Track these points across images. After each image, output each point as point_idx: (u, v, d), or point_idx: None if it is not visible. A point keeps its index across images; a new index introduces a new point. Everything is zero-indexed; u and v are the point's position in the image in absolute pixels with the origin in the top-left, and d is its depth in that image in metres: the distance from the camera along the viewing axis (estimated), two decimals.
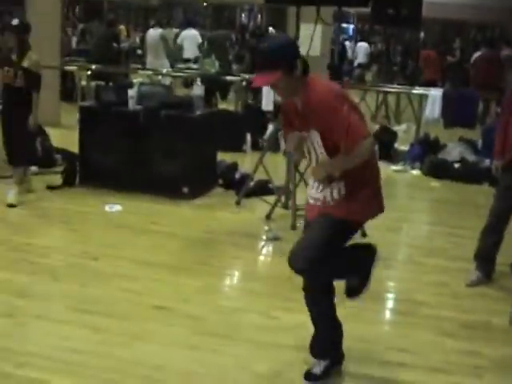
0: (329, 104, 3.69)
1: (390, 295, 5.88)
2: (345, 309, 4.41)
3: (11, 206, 7.49)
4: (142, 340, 4.64)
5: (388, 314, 5.63)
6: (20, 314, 4.95)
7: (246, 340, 4.71)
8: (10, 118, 7.71)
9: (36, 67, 7.58)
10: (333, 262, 3.90)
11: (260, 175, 8.25)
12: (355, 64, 23.98)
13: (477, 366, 4.55)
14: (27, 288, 5.44)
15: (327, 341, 4.25)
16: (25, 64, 7.47)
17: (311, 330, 4.22)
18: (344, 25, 37.21)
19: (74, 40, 21.61)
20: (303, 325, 4.44)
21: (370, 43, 27.26)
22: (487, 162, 9.56)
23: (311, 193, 4.04)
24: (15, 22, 7.54)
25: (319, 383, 4.18)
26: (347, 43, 26.93)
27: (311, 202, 4.05)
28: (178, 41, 16.45)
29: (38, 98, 7.57)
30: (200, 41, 16.34)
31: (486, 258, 6.04)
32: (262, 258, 6.69)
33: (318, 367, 4.21)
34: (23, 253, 6.17)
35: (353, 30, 36.21)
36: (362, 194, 3.89)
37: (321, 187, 3.94)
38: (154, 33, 15.33)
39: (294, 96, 3.83)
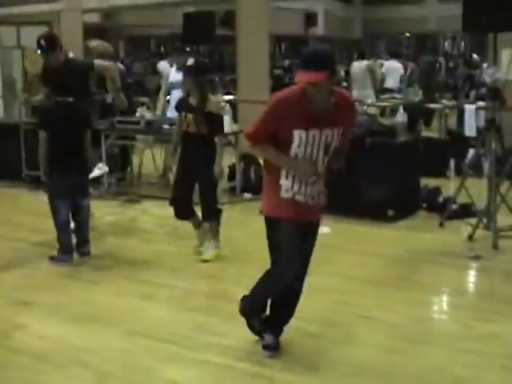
0: (354, 107, 4.72)
1: None
2: None
3: (205, 261, 7.09)
4: (346, 343, 5.12)
5: None
6: (239, 318, 5.56)
7: (440, 345, 5.05)
8: (195, 168, 7.05)
9: (218, 109, 7.15)
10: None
11: (462, 199, 8.51)
12: None
13: None
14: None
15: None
16: (208, 108, 6.93)
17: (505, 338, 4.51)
18: None
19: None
20: (501, 334, 4.73)
21: None
22: None
23: (301, 190, 4.59)
24: (190, 62, 7.44)
25: None
26: None
27: (302, 198, 4.60)
28: (383, 71, 16.90)
29: (223, 145, 7.24)
30: (402, 72, 16.70)
31: None
32: (463, 274, 6.96)
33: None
34: (241, 268, 6.85)
35: None
36: None
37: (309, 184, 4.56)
38: (358, 65, 15.85)
39: (330, 101, 4.36)
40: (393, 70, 16.75)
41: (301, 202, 4.59)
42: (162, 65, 12.61)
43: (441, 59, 20.10)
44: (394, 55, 18.06)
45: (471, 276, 6.98)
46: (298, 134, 4.39)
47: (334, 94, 4.37)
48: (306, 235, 4.70)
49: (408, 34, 35.74)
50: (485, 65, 15.30)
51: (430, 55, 18.95)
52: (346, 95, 4.59)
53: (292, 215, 4.52)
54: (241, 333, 5.21)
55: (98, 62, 8.61)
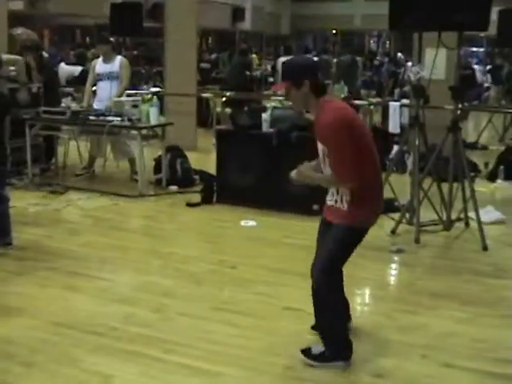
0: (332, 132, 4.36)
1: (504, 303, 6.16)
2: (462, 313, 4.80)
3: None
4: (273, 335, 5.18)
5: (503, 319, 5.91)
6: (166, 310, 5.61)
7: (368, 336, 5.17)
8: None
9: None
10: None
11: (386, 194, 8.63)
12: (485, 86, 23.88)
13: None
14: (172, 289, 6.09)
15: (326, 329, 4.79)
16: None
17: (427, 330, 4.63)
18: (474, 48, 37.01)
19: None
20: (423, 326, 4.85)
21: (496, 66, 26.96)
22: None
23: (327, 197, 4.84)
24: None
25: (312, 362, 4.71)
26: (476, 66, 26.79)
27: (328, 203, 4.84)
28: None
29: None
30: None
31: None
32: (386, 267, 7.09)
33: (317, 348, 4.76)
34: (167, 260, 6.84)
35: (482, 52, 35.91)
36: (365, 201, 4.57)
37: (334, 192, 4.72)
38: (284, 60, 15.98)
39: (302, 109, 4.69)
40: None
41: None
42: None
43: (358, 58, 20.34)
44: (324, 52, 18.24)
45: (394, 269, 7.11)
46: None
47: (315, 110, 4.51)
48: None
49: (334, 31, 36.12)
50: (409, 63, 15.57)
51: (347, 55, 19.18)
52: (328, 114, 4.39)
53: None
54: (168, 324, 5.27)
55: (5, 56, 8.61)
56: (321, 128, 4.43)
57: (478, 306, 5.86)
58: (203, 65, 20.98)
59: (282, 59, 16.33)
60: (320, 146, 4.56)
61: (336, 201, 4.68)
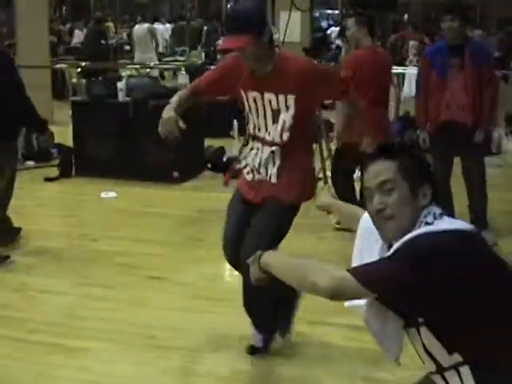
0: (313, 69, 3.96)
1: None
2: None
3: None
4: (138, 305, 5.16)
5: None
6: (27, 289, 5.47)
7: (232, 301, 5.21)
8: None
9: None
10: None
11: None
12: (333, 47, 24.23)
13: None
14: (33, 267, 5.95)
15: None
16: None
17: None
18: (329, 11, 37.60)
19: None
20: None
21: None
22: None
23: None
24: None
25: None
26: (333, 28, 27.21)
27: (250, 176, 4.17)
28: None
29: None
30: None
31: None
32: None
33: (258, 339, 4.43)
34: (28, 238, 6.66)
35: (337, 15, 36.49)
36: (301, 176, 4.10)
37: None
38: (140, 28, 15.80)
39: (259, 63, 3.87)
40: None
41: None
42: None
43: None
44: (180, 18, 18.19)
45: None
46: (240, 93, 4.04)
47: (273, 58, 3.89)
48: None
49: None
50: None
51: (200, 20, 19.21)
52: (294, 62, 3.91)
53: None
54: (29, 303, 5.22)
55: None
56: (290, 74, 3.84)
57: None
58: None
59: (138, 27, 16.13)
60: (278, 99, 3.91)
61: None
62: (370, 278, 2.31)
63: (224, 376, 4.20)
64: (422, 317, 2.37)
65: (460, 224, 2.44)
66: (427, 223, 2.42)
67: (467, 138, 6.25)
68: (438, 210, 2.47)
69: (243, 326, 4.42)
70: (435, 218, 2.43)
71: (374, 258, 2.60)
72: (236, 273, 5.23)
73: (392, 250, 2.38)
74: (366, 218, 2.76)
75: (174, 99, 4.24)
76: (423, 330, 2.38)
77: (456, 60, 6.25)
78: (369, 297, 2.37)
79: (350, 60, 6.61)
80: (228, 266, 6.13)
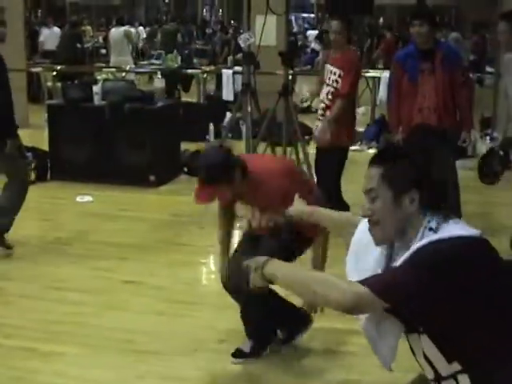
0: (281, 191, 3.86)
1: None
2: None
3: None
4: (113, 310, 5.15)
5: None
6: (3, 294, 5.46)
7: (208, 304, 5.22)
8: None
9: None
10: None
11: None
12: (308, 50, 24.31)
13: None
14: (8, 272, 5.92)
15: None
16: None
17: None
18: (305, 14, 37.75)
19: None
20: None
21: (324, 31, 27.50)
22: None
23: None
24: None
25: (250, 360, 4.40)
26: (310, 32, 27.31)
27: None
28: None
29: None
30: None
31: None
32: None
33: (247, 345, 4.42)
34: None
35: (313, 19, 36.67)
36: None
37: None
38: (116, 31, 15.75)
39: (237, 196, 4.09)
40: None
41: None
42: None
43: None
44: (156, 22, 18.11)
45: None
46: None
47: (246, 187, 4.06)
48: None
49: (167, 0, 35.90)
50: (241, 31, 15.69)
51: (173, 23, 19.18)
52: (271, 181, 4.02)
53: None
54: (5, 308, 5.20)
55: None
56: (268, 195, 3.93)
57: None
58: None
59: (114, 30, 16.07)
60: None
61: None
62: (385, 288, 2.29)
63: (201, 380, 4.20)
64: (426, 324, 2.37)
65: (467, 230, 2.46)
66: (431, 229, 2.41)
67: (440, 141, 6.30)
68: (440, 214, 2.45)
69: (220, 330, 4.42)
70: (439, 224, 2.42)
71: (372, 262, 2.60)
72: (212, 276, 5.27)
73: (403, 259, 2.36)
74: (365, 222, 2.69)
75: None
76: (423, 337, 2.39)
77: (427, 64, 6.30)
78: (381, 306, 2.32)
79: (351, 60, 6.69)
80: (204, 269, 6.17)
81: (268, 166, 4.21)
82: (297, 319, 4.53)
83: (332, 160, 6.74)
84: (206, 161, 4.05)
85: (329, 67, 6.68)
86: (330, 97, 6.60)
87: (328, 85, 6.62)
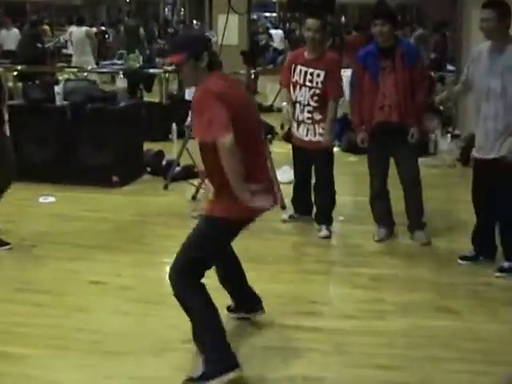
0: (201, 100, 4.02)
1: (307, 258, 6.42)
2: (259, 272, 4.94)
3: None
4: (80, 311, 5.13)
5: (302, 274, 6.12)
6: None
7: (174, 304, 5.21)
8: None
9: None
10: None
11: (185, 161, 8.74)
12: (271, 49, 24.31)
13: (381, 311, 5.15)
14: None
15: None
16: None
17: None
18: (267, 14, 37.79)
19: None
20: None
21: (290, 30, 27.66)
22: None
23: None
24: None
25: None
26: (273, 31, 27.32)
27: None
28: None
29: None
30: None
31: (384, 217, 6.77)
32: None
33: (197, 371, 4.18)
34: None
35: (275, 18, 36.71)
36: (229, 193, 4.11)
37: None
38: (78, 30, 15.65)
39: (193, 84, 4.24)
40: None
41: None
42: None
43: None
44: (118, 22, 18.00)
45: None
46: None
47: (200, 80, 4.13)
48: None
49: (128, 0, 35.74)
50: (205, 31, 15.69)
51: (135, 19, 19.06)
52: (201, 87, 4.10)
53: None
54: None
55: None
56: (195, 99, 4.10)
57: (280, 263, 6.10)
58: None
59: (75, 29, 15.95)
60: None
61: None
62: None
63: (169, 379, 4.21)
64: None
65: None
66: None
67: (401, 138, 6.37)
68: None
69: (185, 330, 4.42)
70: None
71: None
72: None
73: None
74: None
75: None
76: None
77: (387, 62, 6.36)
78: None
79: (334, 61, 6.77)
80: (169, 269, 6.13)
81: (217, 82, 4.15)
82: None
83: (331, 159, 6.92)
84: (185, 32, 4.32)
85: (303, 68, 6.67)
86: (315, 98, 6.62)
87: (311, 87, 6.61)
